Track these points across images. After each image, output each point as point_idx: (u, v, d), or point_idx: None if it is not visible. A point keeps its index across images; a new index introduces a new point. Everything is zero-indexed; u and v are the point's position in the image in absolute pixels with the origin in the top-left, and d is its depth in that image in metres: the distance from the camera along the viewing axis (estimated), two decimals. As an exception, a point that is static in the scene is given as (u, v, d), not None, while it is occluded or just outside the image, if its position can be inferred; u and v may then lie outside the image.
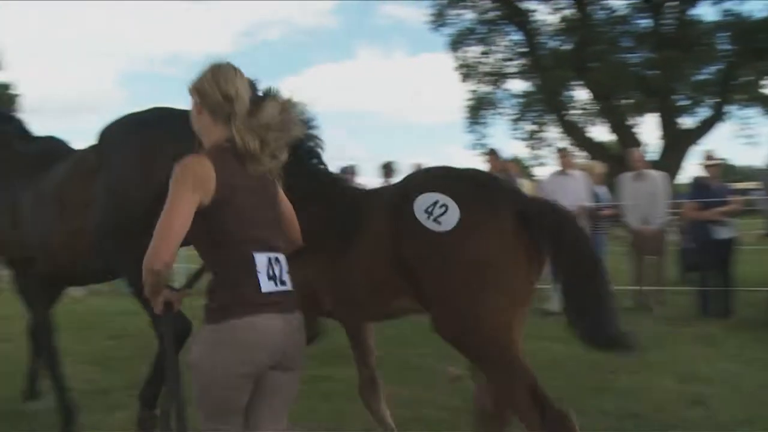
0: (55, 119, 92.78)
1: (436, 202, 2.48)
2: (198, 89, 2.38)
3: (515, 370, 2.48)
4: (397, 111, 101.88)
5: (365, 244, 2.71)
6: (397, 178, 10.72)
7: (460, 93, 33.95)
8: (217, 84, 2.33)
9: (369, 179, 10.69)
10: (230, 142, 2.31)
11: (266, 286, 2.27)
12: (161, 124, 3.65)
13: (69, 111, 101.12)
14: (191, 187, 2.19)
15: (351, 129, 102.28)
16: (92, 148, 3.91)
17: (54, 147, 4.50)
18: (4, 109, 7.20)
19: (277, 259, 2.35)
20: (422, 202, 2.50)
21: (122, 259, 3.54)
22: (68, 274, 4.06)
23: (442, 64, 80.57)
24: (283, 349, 2.31)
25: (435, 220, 2.46)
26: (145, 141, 3.61)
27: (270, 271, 2.30)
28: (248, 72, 2.45)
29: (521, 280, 2.53)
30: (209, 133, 2.39)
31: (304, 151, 3.03)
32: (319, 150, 3.15)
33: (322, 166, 3.13)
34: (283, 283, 2.34)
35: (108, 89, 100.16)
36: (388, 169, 10.67)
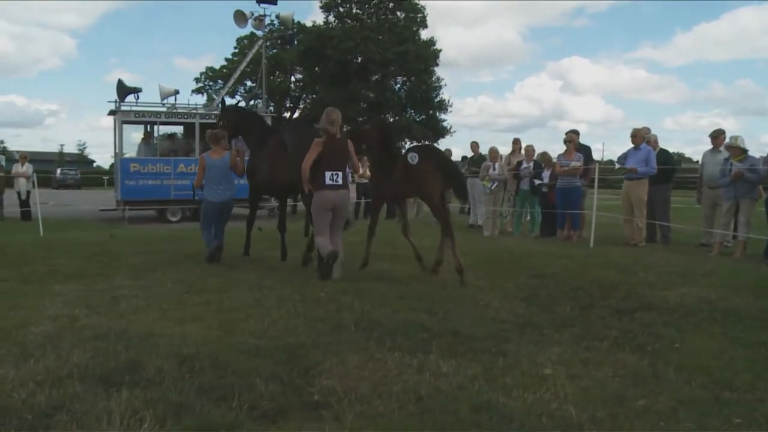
0: (465, 72, 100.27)
1: (414, 155, 7.32)
2: (322, 118, 7.09)
3: (441, 209, 7.59)
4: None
5: (397, 171, 7.38)
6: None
7: None
8: (327, 116, 7.04)
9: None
10: (330, 134, 7.00)
11: (328, 182, 6.93)
12: (305, 126, 9.30)
13: (478, 64, 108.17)
14: (316, 147, 6.93)
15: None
16: (280, 133, 9.02)
17: (271, 128, 10.31)
18: (255, 111, 12.36)
19: (336, 173, 6.98)
20: (410, 155, 7.35)
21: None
22: (279, 191, 9.36)
23: None
24: (334, 202, 7.00)
25: (412, 160, 7.27)
26: (301, 133, 8.29)
27: (331, 177, 6.94)
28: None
29: (438, 183, 7.38)
30: (325, 132, 7.00)
31: (392, 142, 8.22)
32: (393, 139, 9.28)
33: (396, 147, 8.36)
34: (337, 181, 6.99)
35: (516, 43, 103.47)
36: None
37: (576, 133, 12.47)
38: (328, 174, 6.89)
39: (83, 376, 3.88)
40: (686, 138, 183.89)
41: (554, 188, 11.89)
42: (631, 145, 11.12)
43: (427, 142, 36.18)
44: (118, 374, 3.90)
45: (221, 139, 8.77)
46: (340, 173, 7.00)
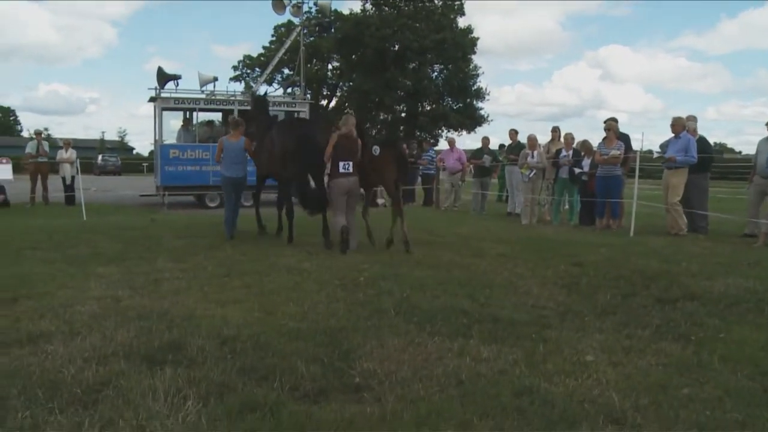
0: (503, 60, 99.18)
1: (376, 148, 8.76)
2: (341, 120, 9.06)
3: (395, 191, 8.86)
4: None
5: (366, 159, 8.72)
6: None
7: None
8: (345, 119, 8.94)
9: None
10: (341, 131, 8.66)
11: (342, 170, 8.51)
12: (289, 125, 10.02)
13: (516, 53, 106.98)
14: (333, 141, 8.57)
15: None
16: (276, 125, 9.97)
17: (273, 119, 10.75)
18: (260, 99, 11.69)
19: (347, 163, 8.48)
20: (375, 148, 8.77)
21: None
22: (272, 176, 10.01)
23: None
24: (348, 187, 8.58)
25: (375, 151, 8.70)
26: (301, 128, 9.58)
27: (343, 166, 8.48)
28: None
29: (393, 170, 8.69)
30: (340, 129, 8.74)
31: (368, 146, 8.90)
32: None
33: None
34: (348, 170, 8.50)
35: (554, 31, 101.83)
36: None
37: (615, 120, 12.25)
38: (341, 164, 8.51)
39: (127, 354, 3.97)
40: (729, 128, 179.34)
41: (594, 176, 11.72)
42: (672, 134, 10.90)
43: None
44: (161, 353, 3.98)
45: (239, 125, 10.09)
46: (351, 162, 8.53)
